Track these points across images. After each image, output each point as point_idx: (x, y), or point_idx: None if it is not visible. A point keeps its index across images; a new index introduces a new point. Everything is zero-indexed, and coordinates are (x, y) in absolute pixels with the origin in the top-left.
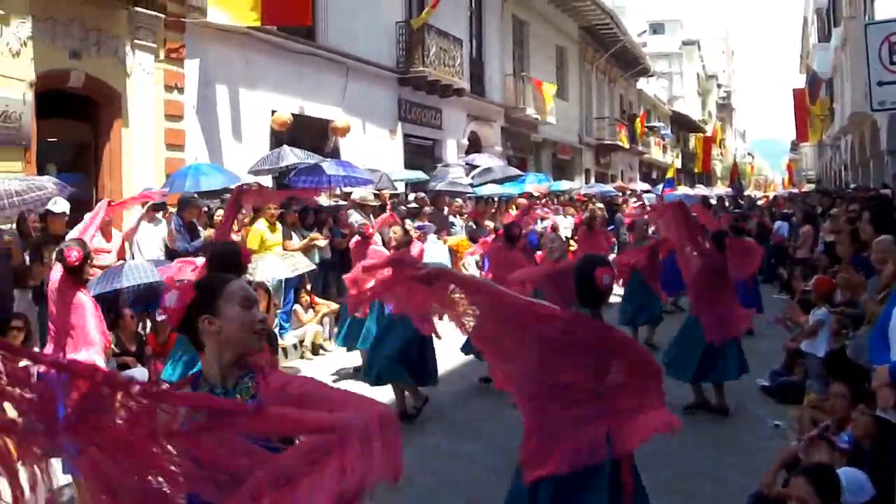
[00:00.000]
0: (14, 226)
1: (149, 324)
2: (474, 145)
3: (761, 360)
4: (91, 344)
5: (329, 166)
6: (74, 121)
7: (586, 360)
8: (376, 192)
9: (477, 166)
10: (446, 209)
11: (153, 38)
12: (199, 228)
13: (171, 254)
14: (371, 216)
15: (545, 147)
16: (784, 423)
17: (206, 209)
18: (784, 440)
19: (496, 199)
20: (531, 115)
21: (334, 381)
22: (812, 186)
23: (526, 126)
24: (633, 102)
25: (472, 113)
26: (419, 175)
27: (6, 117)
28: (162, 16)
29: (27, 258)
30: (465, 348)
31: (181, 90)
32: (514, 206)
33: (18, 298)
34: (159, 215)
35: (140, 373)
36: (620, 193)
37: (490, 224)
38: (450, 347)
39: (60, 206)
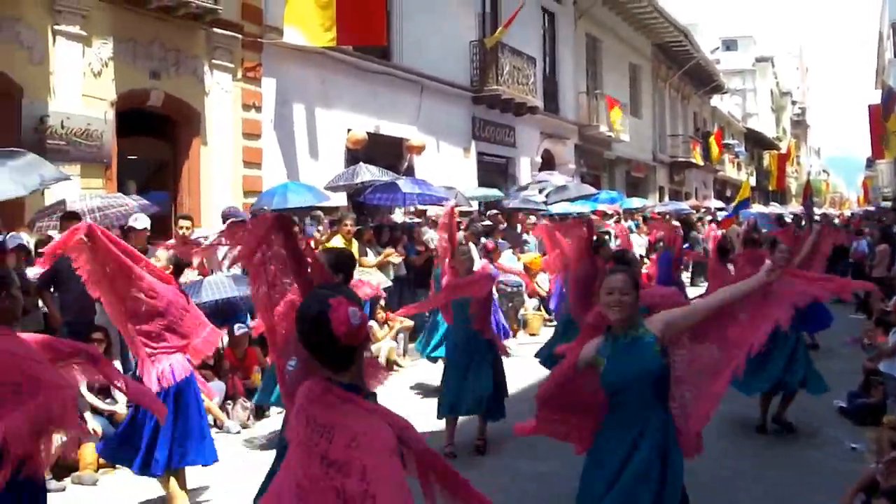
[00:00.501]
0: None
1: (226, 338)
2: (548, 163)
3: (838, 381)
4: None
5: (404, 184)
6: (154, 139)
7: None
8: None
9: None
10: (519, 227)
11: (231, 58)
12: None
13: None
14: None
15: (619, 165)
16: (862, 445)
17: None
18: (862, 463)
19: (570, 216)
20: (604, 132)
21: (415, 396)
22: (888, 204)
23: (599, 143)
24: (707, 119)
25: (545, 131)
26: (494, 192)
27: (88, 135)
28: (239, 36)
29: None
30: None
31: (258, 109)
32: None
33: (100, 311)
34: None
35: (218, 386)
36: (694, 211)
37: None
38: (519, 365)
39: (142, 222)
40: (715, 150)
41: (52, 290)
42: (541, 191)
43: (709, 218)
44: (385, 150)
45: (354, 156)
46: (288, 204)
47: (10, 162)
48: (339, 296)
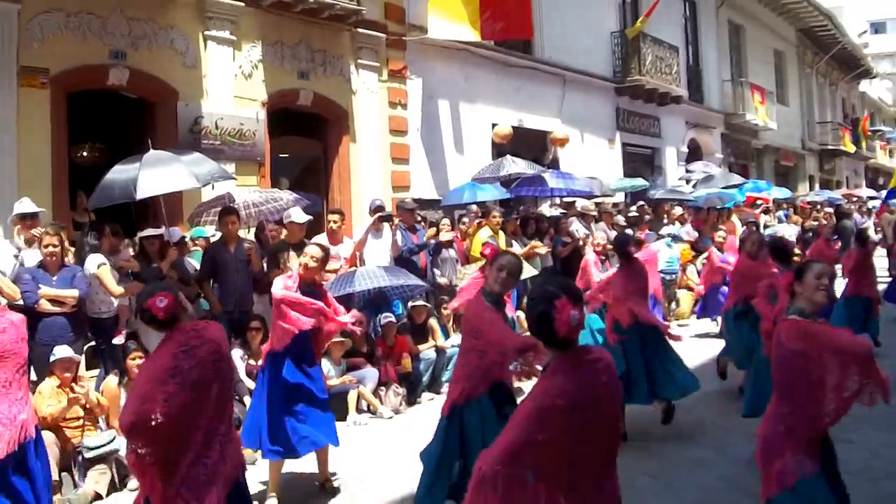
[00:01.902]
0: (252, 234)
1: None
2: (694, 153)
3: None
4: None
5: (550, 177)
6: (304, 138)
7: None
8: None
9: (694, 172)
10: (665, 217)
11: (376, 58)
12: (420, 229)
13: (397, 260)
14: (591, 225)
15: (767, 153)
16: None
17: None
18: None
19: (717, 207)
20: (751, 120)
21: None
22: None
23: (746, 132)
24: (856, 105)
25: (690, 120)
26: (639, 182)
27: (241, 135)
28: (383, 36)
29: (265, 265)
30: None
31: (404, 106)
32: (734, 214)
33: (256, 301)
34: (386, 226)
35: (371, 374)
36: (846, 200)
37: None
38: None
39: (302, 216)
40: (863, 133)
41: (211, 281)
42: (687, 181)
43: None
44: (529, 144)
45: (500, 150)
46: (477, 198)
47: (184, 157)
48: (563, 297)
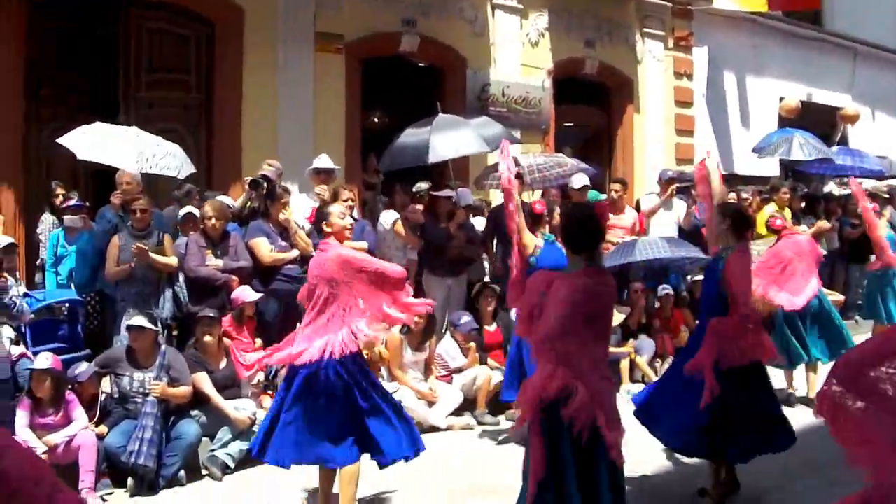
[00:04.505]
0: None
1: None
2: None
3: None
4: None
5: (838, 156)
6: (588, 107)
7: None
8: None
9: None
10: None
11: (662, 27)
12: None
13: (682, 232)
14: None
15: None
16: None
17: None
18: None
19: None
20: None
21: None
22: None
23: None
24: None
25: None
26: None
27: (527, 103)
28: (669, 4)
29: None
30: None
31: (690, 77)
32: None
33: None
34: (677, 198)
35: (647, 344)
36: None
37: None
38: None
39: (581, 180)
40: None
41: (494, 242)
42: None
43: None
44: (817, 119)
45: (787, 124)
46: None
47: (472, 121)
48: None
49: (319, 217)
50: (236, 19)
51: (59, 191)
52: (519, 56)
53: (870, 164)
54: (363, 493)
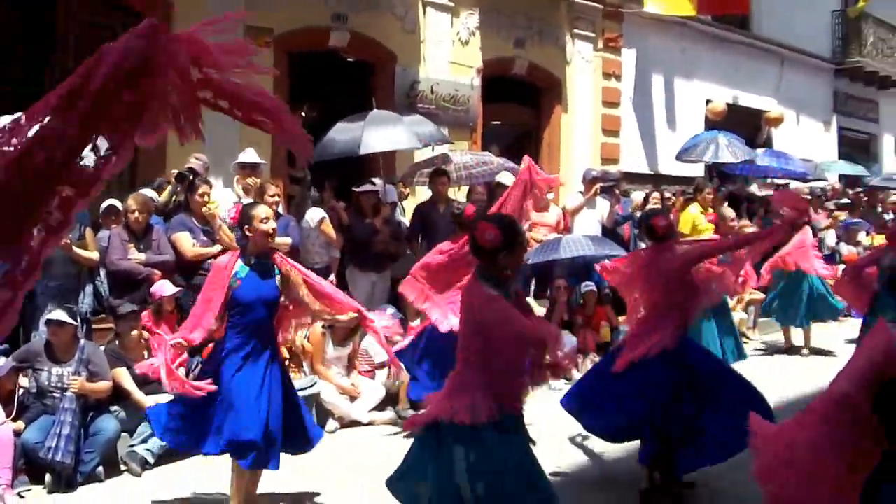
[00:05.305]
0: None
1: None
2: None
3: None
4: None
5: (761, 158)
6: (517, 106)
7: None
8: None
9: None
10: (879, 206)
11: (592, 28)
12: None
13: (605, 231)
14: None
15: None
16: None
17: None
18: None
19: None
20: None
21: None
22: None
23: None
24: None
25: None
26: (856, 168)
27: (455, 101)
28: (600, 6)
29: None
30: None
31: (618, 78)
32: None
33: None
34: (601, 197)
35: (570, 341)
36: None
37: None
38: None
39: (509, 179)
40: None
41: (419, 239)
42: None
43: None
44: (743, 121)
45: (713, 127)
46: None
47: (406, 118)
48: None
49: (242, 220)
50: (165, 12)
51: None
52: (449, 54)
53: (794, 167)
54: (281, 490)
